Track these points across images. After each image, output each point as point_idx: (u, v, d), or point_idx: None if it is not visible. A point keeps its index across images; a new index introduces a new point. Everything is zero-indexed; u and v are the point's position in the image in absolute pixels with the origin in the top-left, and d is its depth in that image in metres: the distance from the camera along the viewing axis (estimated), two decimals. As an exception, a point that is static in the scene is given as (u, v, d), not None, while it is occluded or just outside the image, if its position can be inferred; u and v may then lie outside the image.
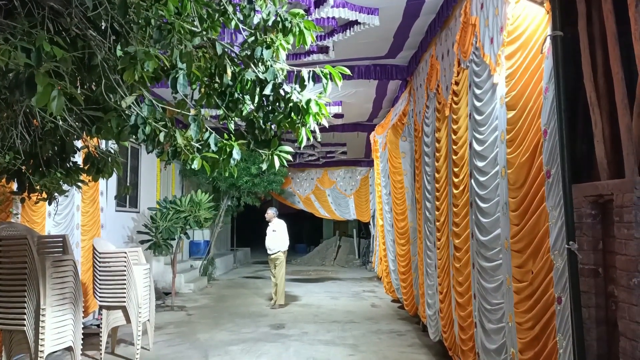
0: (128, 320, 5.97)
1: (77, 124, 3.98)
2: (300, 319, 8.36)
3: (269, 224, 10.09)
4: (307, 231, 23.78)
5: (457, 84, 5.00)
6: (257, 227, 23.24)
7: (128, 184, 9.66)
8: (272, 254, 9.76)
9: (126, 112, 3.54)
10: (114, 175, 8.65)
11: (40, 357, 4.54)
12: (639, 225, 3.00)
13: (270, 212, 10.17)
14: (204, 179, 12.55)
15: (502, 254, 3.87)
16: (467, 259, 4.69)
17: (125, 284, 5.83)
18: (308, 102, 3.56)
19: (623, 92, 3.33)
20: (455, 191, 5.00)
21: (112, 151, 4.59)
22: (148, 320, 6.23)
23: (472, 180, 4.43)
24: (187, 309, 9.31)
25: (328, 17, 5.65)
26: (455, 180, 4.98)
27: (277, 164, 4.00)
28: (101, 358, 5.90)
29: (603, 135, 3.58)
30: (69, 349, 5.00)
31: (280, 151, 3.92)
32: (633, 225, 3.03)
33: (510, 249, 3.69)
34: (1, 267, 4.70)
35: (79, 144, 4.72)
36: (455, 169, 4.99)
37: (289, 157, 4.07)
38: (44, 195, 4.76)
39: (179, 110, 3.56)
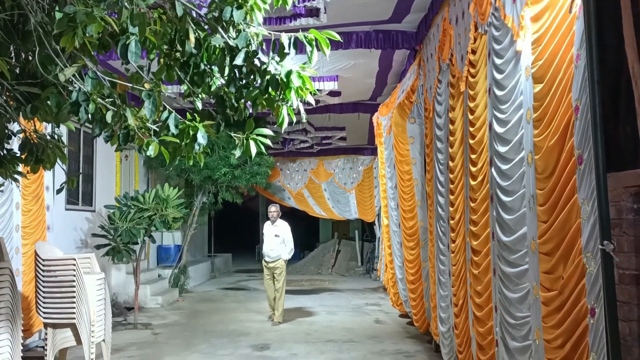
0: (79, 340, 5.95)
1: (9, 102, 3.93)
2: (289, 338, 8.36)
3: (269, 225, 9.99)
4: (300, 233, 23.75)
5: (474, 52, 4.96)
6: (239, 229, 23.26)
7: (78, 176, 9.59)
8: (272, 262, 9.70)
9: (67, 87, 3.49)
10: (63, 168, 8.63)
11: (-30, 386, 4.51)
12: (690, 222, 2.98)
13: (274, 209, 10.06)
14: (173, 171, 12.50)
15: (528, 257, 3.85)
16: (487, 264, 4.67)
17: (74, 297, 5.80)
18: (288, 74, 3.51)
19: (672, 59, 3.29)
20: (472, 183, 4.97)
21: (57, 136, 4.54)
22: (103, 340, 6.21)
23: (493, 169, 4.40)
24: (153, 326, 9.30)
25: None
26: (473, 169, 4.96)
27: (253, 150, 3.95)
28: (46, 386, 5.88)
29: (647, 114, 3.55)
30: (6, 375, 4.99)
31: (257, 134, 3.88)
32: (683, 222, 3.01)
33: (537, 252, 3.67)
34: None
35: (15, 128, 4.66)
36: (473, 156, 4.96)
37: (269, 141, 4.03)
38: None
39: (131, 85, 3.51)
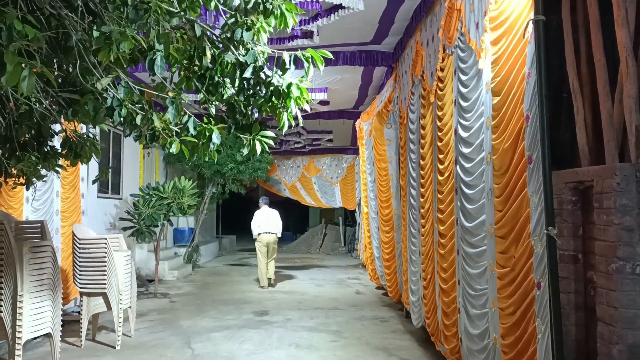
0: (109, 307, 5.93)
1: (53, 107, 3.90)
2: (284, 305, 8.37)
3: (265, 211, 10.72)
4: (293, 219, 23.75)
5: (442, 70, 4.98)
6: (242, 215, 23.21)
7: (109, 169, 9.53)
8: (269, 237, 10.46)
9: (103, 94, 3.47)
10: (96, 162, 8.57)
11: (18, 344, 4.48)
12: (618, 212, 3.03)
13: (266, 201, 10.97)
14: (188, 166, 12.44)
15: (486, 240, 3.88)
16: (452, 246, 4.70)
17: (105, 270, 5.77)
18: (289, 85, 3.51)
19: (605, 79, 3.34)
20: (440, 178, 5.00)
21: (92, 136, 4.52)
22: (129, 307, 6.19)
23: (458, 167, 4.43)
24: (171, 296, 9.27)
25: (312, 0, 5.58)
26: (441, 167, 4.98)
27: (258, 149, 3.96)
28: (81, 345, 5.86)
29: (585, 122, 3.60)
30: (48, 335, 4.96)
31: (262, 136, 3.88)
32: (612, 212, 3.05)
33: (494, 235, 3.71)
34: (-24, 253, 4.62)
35: (57, 127, 4.63)
36: (441, 156, 4.98)
37: (271, 142, 4.03)
38: (22, 180, 4.68)
39: (157, 93, 3.50)
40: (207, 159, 4.01)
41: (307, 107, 3.87)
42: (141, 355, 5.60)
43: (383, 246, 8.56)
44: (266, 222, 10.54)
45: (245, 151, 4.00)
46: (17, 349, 4.49)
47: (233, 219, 21.18)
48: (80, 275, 5.88)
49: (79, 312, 6.67)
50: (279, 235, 10.67)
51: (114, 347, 5.83)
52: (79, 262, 5.88)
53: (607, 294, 3.10)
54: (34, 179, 4.92)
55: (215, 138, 3.65)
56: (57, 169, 4.81)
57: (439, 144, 4.98)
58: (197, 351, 5.77)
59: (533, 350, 3.19)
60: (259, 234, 10.43)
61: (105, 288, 5.79)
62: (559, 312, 2.91)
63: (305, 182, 17.27)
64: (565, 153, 3.75)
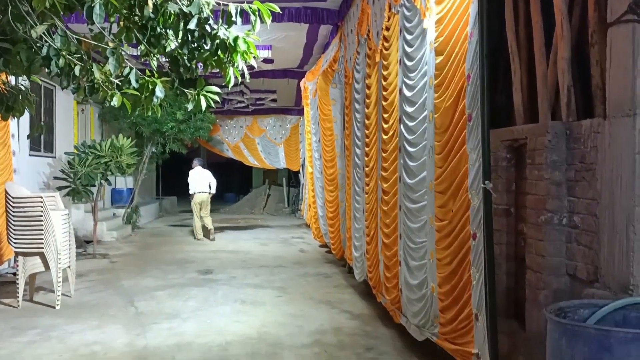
0: (47, 267, 5.78)
1: (-19, 56, 3.68)
2: (229, 264, 8.44)
3: (198, 171, 11.35)
4: (236, 180, 23.62)
5: (387, 29, 5.04)
6: (183, 176, 22.83)
7: (43, 125, 9.08)
8: (202, 195, 11.16)
9: (37, 44, 3.31)
10: (26, 117, 8.15)
11: (-50, 306, 4.32)
12: (548, 167, 3.25)
13: (195, 163, 11.56)
14: (125, 124, 12.02)
15: (426, 195, 4.06)
16: (395, 202, 4.87)
17: (42, 229, 5.59)
18: (235, 39, 3.46)
19: (541, 41, 3.51)
20: (384, 137, 5.12)
21: (23, 88, 4.29)
22: (68, 267, 6.06)
23: (401, 126, 4.55)
24: (110, 256, 9.11)
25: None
26: (385, 126, 5.10)
27: (203, 104, 3.91)
28: (19, 305, 5.70)
29: (521, 84, 3.79)
30: (-18, 297, 4.80)
31: (207, 91, 3.83)
32: (543, 167, 3.27)
33: (434, 191, 3.88)
34: None
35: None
36: (385, 115, 5.09)
37: (216, 97, 3.99)
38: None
39: (96, 43, 3.37)
40: (150, 114, 3.93)
41: (253, 62, 3.85)
42: (82, 314, 5.53)
43: (327, 205, 8.72)
44: (200, 182, 11.25)
45: (190, 106, 3.94)
46: (-51, 311, 4.33)
47: (174, 180, 20.76)
48: (15, 235, 5.67)
49: (13, 274, 6.47)
50: (213, 192, 11.40)
51: (54, 307, 5.72)
52: (14, 221, 5.66)
53: (536, 244, 3.36)
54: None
55: (159, 92, 3.58)
56: (-14, 123, 4.57)
57: (384, 103, 5.08)
58: (140, 309, 5.76)
59: (467, 297, 3.41)
60: (194, 193, 11.20)
61: (42, 248, 5.62)
62: (492, 260, 3.11)
63: (248, 143, 17.12)
64: (500, 115, 3.94)
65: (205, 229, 11.29)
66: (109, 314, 5.59)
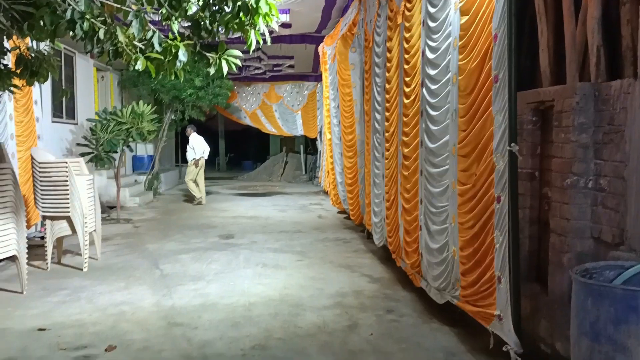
0: (73, 230, 5.91)
1: (5, 21, 3.69)
2: (249, 230, 8.54)
3: (198, 136, 11.98)
4: (253, 148, 23.70)
5: (410, -11, 4.92)
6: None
7: (67, 90, 9.15)
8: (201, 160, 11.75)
9: (60, 7, 3.30)
10: (48, 84, 8.21)
11: (-16, 266, 4.47)
12: (575, 129, 3.20)
13: (190, 130, 12.09)
14: (144, 91, 12.06)
15: (449, 159, 4.04)
16: (416, 167, 4.85)
17: (68, 194, 5.70)
18: (257, 0, 3.42)
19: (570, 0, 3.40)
20: (406, 101, 5.07)
21: (46, 53, 4.32)
22: (94, 230, 6.19)
23: (424, 89, 4.50)
24: (134, 221, 9.28)
25: None
26: (407, 89, 5.04)
27: (225, 68, 3.90)
28: (47, 268, 5.87)
29: (548, 44, 3.69)
30: (14, 258, 4.95)
31: (228, 55, 3.82)
32: (570, 129, 3.22)
33: (457, 154, 3.86)
34: None
35: (8, 45, 4.39)
36: (407, 79, 5.03)
37: (238, 61, 3.97)
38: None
39: (118, 6, 3.36)
40: (172, 78, 3.94)
41: (275, 25, 3.81)
42: (110, 276, 5.68)
43: (346, 171, 8.73)
44: (197, 148, 11.74)
45: (211, 70, 3.94)
46: (-17, 271, 4.48)
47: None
48: (42, 199, 5.80)
49: (41, 237, 6.64)
50: (206, 157, 11.98)
51: (81, 270, 5.87)
52: (41, 186, 5.78)
53: (561, 207, 3.33)
54: (-14, 100, 4.73)
55: (182, 55, 3.57)
56: (12, 88, 4.62)
57: (406, 66, 5.01)
58: (165, 272, 5.90)
59: (490, 260, 3.43)
60: (193, 159, 11.66)
61: (68, 211, 5.74)
62: (516, 223, 3.11)
63: (266, 110, 17.07)
64: (525, 78, 3.87)
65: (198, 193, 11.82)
66: (135, 276, 5.73)
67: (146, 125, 9.09)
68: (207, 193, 13.97)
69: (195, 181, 11.70)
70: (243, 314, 4.55)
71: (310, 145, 18.39)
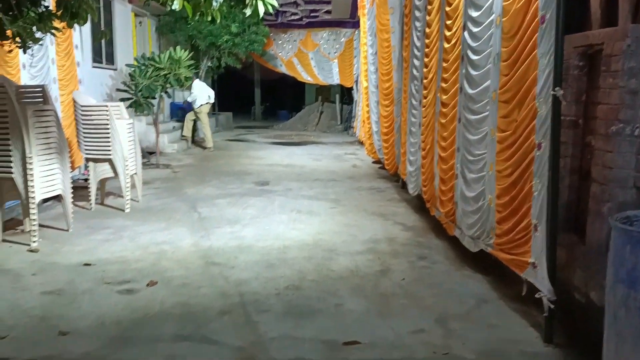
0: (115, 173, 6.10)
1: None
2: (284, 177, 8.63)
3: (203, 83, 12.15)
4: (289, 97, 23.60)
5: None
6: (237, 93, 23.00)
7: (109, 31, 9.22)
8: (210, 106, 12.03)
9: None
10: (88, 30, 8.29)
11: (32, 203, 4.68)
12: (625, 74, 3.05)
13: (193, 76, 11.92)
14: (182, 37, 12.06)
15: (489, 105, 3.94)
16: (454, 115, 4.76)
17: (109, 137, 5.86)
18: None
19: None
20: (446, 45, 4.92)
21: (85, -5, 4.34)
22: (135, 173, 6.37)
23: (465, 33, 4.35)
24: (172, 167, 9.50)
25: None
26: (448, 33, 4.88)
27: (261, 10, 3.86)
28: (91, 208, 6.12)
29: (600, -16, 3.49)
30: (59, 198, 5.17)
31: (265, -4, 3.76)
32: (619, 74, 3.08)
33: (497, 100, 3.76)
34: (-19, 115, 4.65)
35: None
36: (448, 22, 4.86)
37: (275, 2, 3.91)
38: (17, 41, 4.59)
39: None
40: (209, 19, 3.92)
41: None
42: (150, 217, 5.89)
43: (382, 120, 8.64)
44: (205, 92, 11.81)
45: (247, 12, 3.89)
46: (32, 209, 4.70)
47: (229, 96, 21.02)
48: (85, 142, 5.98)
49: (85, 179, 6.89)
50: (212, 102, 12.15)
51: (123, 210, 6.10)
52: (83, 129, 5.95)
53: (604, 156, 3.23)
54: (30, 42, 4.82)
55: (219, -6, 3.53)
56: (53, 31, 4.69)
57: (447, 9, 4.83)
58: (203, 215, 6.07)
59: (527, 208, 3.38)
60: (201, 104, 11.67)
61: (110, 154, 5.92)
62: (557, 170, 3.05)
63: (302, 58, 16.86)
64: (573, 21, 3.67)
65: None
66: (175, 218, 5.92)
67: (183, 71, 9.14)
68: (243, 141, 14.16)
69: (194, 124, 12.12)
70: (277, 256, 4.67)
71: (346, 95, 18.19)
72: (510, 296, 3.72)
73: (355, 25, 14.69)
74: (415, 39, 6.21)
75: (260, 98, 22.92)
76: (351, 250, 4.85)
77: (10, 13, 4.13)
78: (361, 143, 12.33)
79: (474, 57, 4.18)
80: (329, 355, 2.99)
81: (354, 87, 15.66)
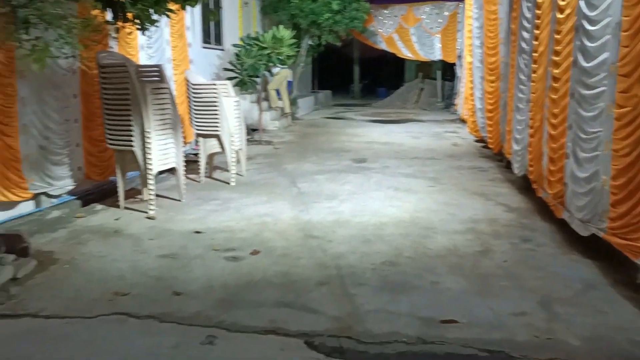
0: (222, 148, 6.45)
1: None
2: (382, 155, 8.61)
3: None
4: (388, 75, 23.29)
5: None
6: (336, 71, 23.15)
7: (215, 13, 9.69)
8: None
9: None
10: (198, 13, 8.74)
11: (150, 175, 5.11)
12: None
13: None
14: (284, 16, 12.32)
15: (606, 80, 3.67)
16: (566, 90, 4.48)
17: (217, 113, 6.19)
18: None
19: None
20: (559, 16, 4.61)
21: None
22: (240, 149, 6.69)
23: (581, 1, 4.05)
24: (274, 143, 9.83)
25: None
26: (561, 3, 4.57)
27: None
28: (201, 181, 6.54)
29: None
30: (173, 170, 5.58)
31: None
32: None
33: (616, 74, 3.49)
34: (106, 92, 5.11)
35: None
36: (562, -9, 4.55)
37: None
38: (137, 23, 4.96)
39: None
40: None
41: None
42: (254, 191, 6.19)
43: (486, 97, 8.30)
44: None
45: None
46: (150, 179, 5.13)
47: (327, 75, 21.21)
48: (195, 118, 6.37)
49: (195, 154, 7.35)
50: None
51: (229, 184, 6.46)
52: (195, 106, 6.33)
53: None
54: (147, 24, 5.19)
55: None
56: (168, 13, 5.01)
57: (562, -24, 4.52)
58: (303, 189, 6.26)
59: (646, 190, 3.14)
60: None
61: (218, 130, 6.26)
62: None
63: (402, 34, 16.51)
64: None
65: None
66: (276, 192, 6.17)
67: (285, 49, 9.37)
68: (341, 119, 14.26)
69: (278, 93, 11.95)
70: (374, 232, 4.72)
71: (447, 71, 17.62)
72: (622, 282, 3.51)
73: (459, -2, 14.13)
74: (525, 9, 5.87)
75: (359, 76, 22.86)
76: (449, 229, 4.78)
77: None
78: (463, 121, 11.94)
79: (590, 28, 3.89)
80: (425, 331, 3.00)
81: (457, 63, 15.12)
